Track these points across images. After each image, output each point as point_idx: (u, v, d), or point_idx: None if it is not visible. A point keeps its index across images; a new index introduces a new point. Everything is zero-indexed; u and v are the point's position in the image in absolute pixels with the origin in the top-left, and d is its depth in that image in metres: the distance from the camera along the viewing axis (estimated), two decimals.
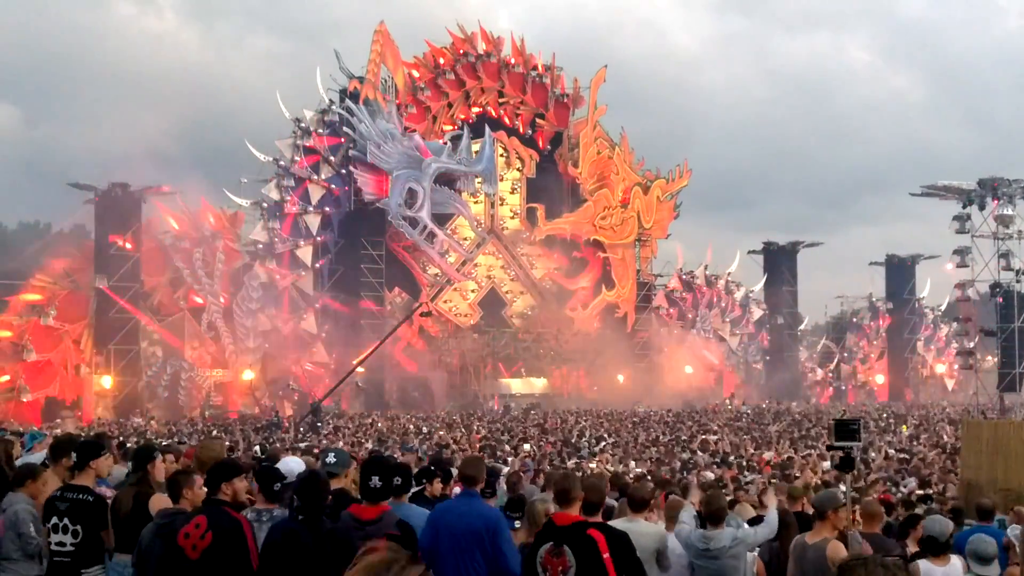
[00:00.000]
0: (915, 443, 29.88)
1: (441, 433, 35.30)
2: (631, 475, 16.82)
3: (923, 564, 7.76)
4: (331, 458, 8.58)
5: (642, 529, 7.84)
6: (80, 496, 7.59)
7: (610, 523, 7.15)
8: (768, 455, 24.61)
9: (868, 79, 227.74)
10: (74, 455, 8.15)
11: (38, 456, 9.98)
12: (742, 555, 8.22)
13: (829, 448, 9.78)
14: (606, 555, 6.21)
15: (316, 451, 18.07)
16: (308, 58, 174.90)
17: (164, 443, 22.16)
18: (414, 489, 8.70)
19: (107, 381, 55.79)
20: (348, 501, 7.73)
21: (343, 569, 5.98)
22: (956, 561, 7.71)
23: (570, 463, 21.24)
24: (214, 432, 34.62)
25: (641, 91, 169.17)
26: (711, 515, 8.34)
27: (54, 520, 7.55)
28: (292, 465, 8.43)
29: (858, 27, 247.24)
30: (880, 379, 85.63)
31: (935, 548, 7.83)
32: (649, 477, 15.99)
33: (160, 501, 7.55)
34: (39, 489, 8.01)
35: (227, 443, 23.75)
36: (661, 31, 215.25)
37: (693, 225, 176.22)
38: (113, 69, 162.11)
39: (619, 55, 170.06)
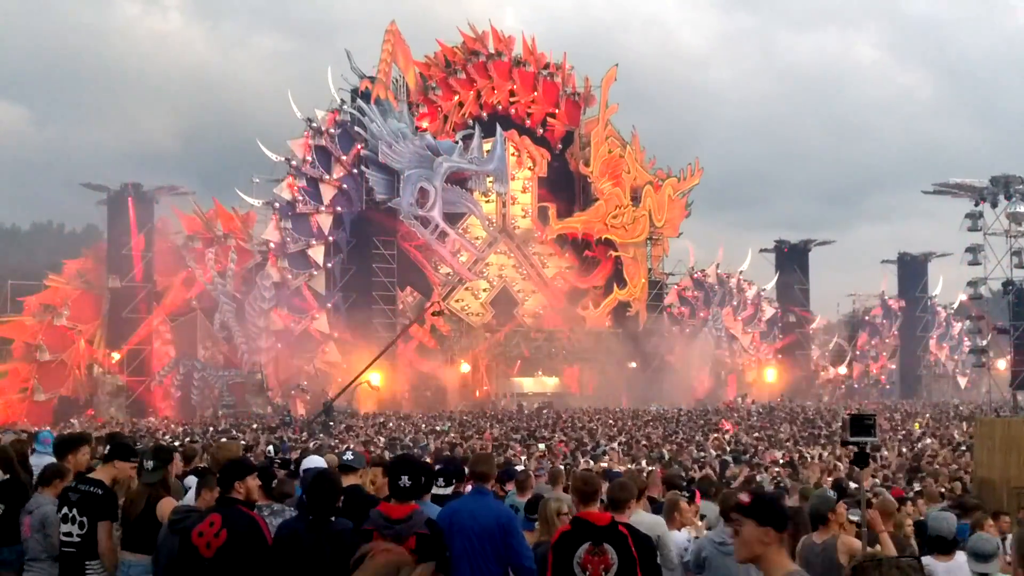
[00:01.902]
0: (927, 440, 29.80)
1: (452, 434, 35.30)
2: (644, 474, 16.79)
3: (925, 560, 7.76)
4: (349, 455, 8.75)
5: (639, 519, 7.86)
6: (91, 488, 7.68)
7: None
8: (778, 454, 24.58)
9: (876, 76, 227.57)
10: (107, 448, 8.27)
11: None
12: None
13: (844, 443, 9.72)
14: (634, 551, 6.28)
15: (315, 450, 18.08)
16: (314, 57, 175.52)
17: (178, 443, 22.27)
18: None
19: (120, 381, 56.02)
20: (362, 497, 7.77)
21: (344, 570, 6.03)
22: (960, 558, 7.70)
23: (582, 462, 21.24)
24: (233, 432, 34.67)
25: (648, 89, 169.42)
26: (724, 512, 8.34)
27: (64, 510, 7.68)
28: (315, 465, 8.57)
29: (866, 24, 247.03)
30: (892, 377, 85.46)
31: (941, 546, 7.82)
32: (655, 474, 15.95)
33: (170, 505, 7.63)
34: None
35: (243, 443, 23.85)
36: (667, 29, 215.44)
37: (704, 223, 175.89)
38: (119, 69, 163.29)
39: (625, 53, 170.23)
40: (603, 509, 7.13)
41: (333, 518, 6.42)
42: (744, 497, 5.07)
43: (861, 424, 8.54)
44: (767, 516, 4.76)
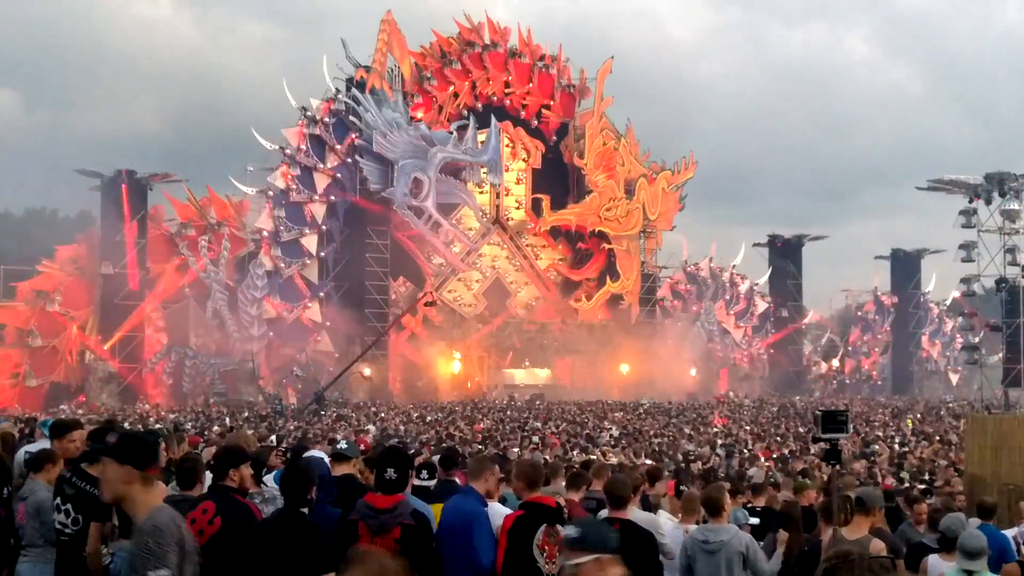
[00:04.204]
0: (918, 438, 29.86)
1: (444, 423, 35.32)
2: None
3: (932, 559, 7.76)
4: (343, 444, 8.80)
5: (634, 517, 7.87)
6: (88, 487, 7.46)
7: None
8: (769, 448, 24.63)
9: (867, 71, 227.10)
10: (90, 443, 8.18)
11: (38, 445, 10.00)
12: (736, 553, 8.12)
13: (815, 439, 9.66)
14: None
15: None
16: (308, 45, 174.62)
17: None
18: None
19: (111, 367, 55.93)
20: (356, 486, 7.75)
21: (315, 563, 5.99)
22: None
23: (575, 455, 21.26)
24: (227, 420, 34.66)
25: (638, 82, 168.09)
26: (709, 508, 8.29)
27: (57, 501, 7.58)
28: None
29: (856, 19, 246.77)
30: (884, 373, 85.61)
31: (949, 544, 7.82)
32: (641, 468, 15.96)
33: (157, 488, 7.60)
34: (57, 474, 8.02)
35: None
36: (658, 22, 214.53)
37: (697, 217, 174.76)
38: (109, 55, 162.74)
39: (616, 46, 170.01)
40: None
41: (306, 509, 6.34)
42: (110, 438, 5.34)
43: (833, 420, 8.49)
44: (128, 455, 5.00)
